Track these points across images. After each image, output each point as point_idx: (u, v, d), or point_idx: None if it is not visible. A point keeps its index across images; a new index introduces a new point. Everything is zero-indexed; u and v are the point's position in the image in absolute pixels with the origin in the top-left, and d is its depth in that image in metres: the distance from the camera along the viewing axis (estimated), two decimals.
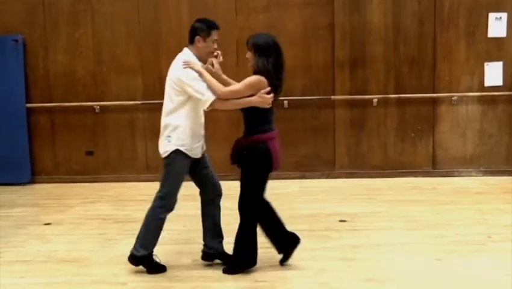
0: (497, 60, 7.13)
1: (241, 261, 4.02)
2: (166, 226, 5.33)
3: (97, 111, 7.44)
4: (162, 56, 7.35)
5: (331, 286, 3.80)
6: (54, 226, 5.48)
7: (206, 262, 4.23)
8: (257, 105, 3.78)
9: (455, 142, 7.28)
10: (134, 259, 4.07)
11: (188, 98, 3.88)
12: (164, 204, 4.02)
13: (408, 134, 7.30)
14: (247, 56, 3.90)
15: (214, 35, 3.96)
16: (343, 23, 7.16)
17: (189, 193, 6.88)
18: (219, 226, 4.25)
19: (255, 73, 3.85)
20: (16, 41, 7.33)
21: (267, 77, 3.77)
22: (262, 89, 3.76)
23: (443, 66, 7.19)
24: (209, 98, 3.80)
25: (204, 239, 4.25)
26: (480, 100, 7.20)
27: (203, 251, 4.25)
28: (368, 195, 6.37)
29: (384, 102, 7.24)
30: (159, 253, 4.54)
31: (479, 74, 7.16)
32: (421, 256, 4.31)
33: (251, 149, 3.86)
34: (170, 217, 5.66)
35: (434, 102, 7.25)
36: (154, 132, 7.42)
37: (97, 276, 4.10)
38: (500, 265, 4.08)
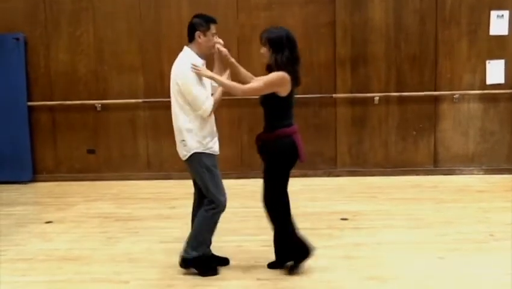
0: (499, 58, 7.11)
1: (298, 254, 3.96)
2: (167, 223, 5.37)
3: (98, 109, 7.44)
4: (164, 54, 7.35)
5: (333, 284, 3.80)
6: (55, 224, 5.48)
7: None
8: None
9: (456, 140, 7.27)
10: (185, 262, 3.99)
11: None
12: (214, 207, 3.92)
13: (410, 132, 7.29)
14: (261, 51, 3.87)
15: (213, 28, 3.94)
16: (345, 21, 7.15)
17: (191, 191, 6.87)
18: None
19: (270, 67, 3.83)
20: (17, 39, 7.33)
21: (285, 71, 3.74)
22: (285, 85, 3.75)
23: (445, 64, 7.17)
24: (206, 109, 3.81)
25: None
26: (482, 98, 7.19)
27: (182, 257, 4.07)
28: (370, 194, 6.37)
29: (385, 100, 7.23)
30: (162, 251, 4.55)
31: (481, 72, 7.15)
32: (423, 255, 4.30)
33: (276, 143, 3.83)
34: (172, 214, 5.71)
35: (436, 100, 7.24)
36: (156, 130, 7.47)
37: (98, 274, 4.10)
38: (502, 263, 4.07)
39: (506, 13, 7.04)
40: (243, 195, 6.40)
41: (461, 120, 7.24)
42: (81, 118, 7.52)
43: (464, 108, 7.23)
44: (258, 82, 3.83)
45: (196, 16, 3.99)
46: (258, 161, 7.18)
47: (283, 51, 3.77)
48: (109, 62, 7.43)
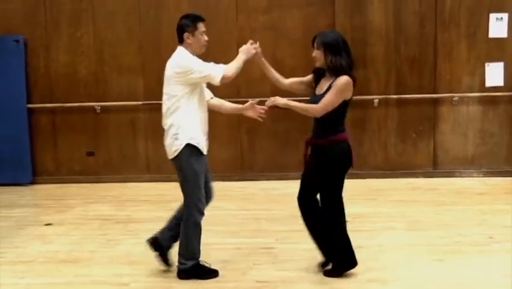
0: (498, 60, 7.12)
1: (343, 262, 3.93)
2: None
3: (98, 111, 7.44)
4: (164, 56, 7.22)
5: (333, 286, 3.80)
6: (55, 227, 5.48)
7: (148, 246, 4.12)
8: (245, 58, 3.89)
9: (456, 142, 7.27)
10: (184, 273, 3.96)
11: (190, 92, 3.84)
12: (193, 212, 3.93)
13: (409, 135, 7.29)
14: (314, 54, 3.86)
15: (201, 27, 3.95)
16: (344, 24, 7.15)
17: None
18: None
19: (318, 71, 3.86)
20: (17, 41, 7.34)
21: (346, 74, 3.74)
22: (350, 89, 3.78)
23: (444, 66, 7.18)
24: (218, 73, 3.80)
25: (162, 232, 4.14)
26: (481, 100, 7.19)
27: (154, 238, 4.13)
28: (370, 196, 6.37)
29: (384, 103, 7.24)
30: None
31: (480, 74, 7.15)
32: (423, 257, 4.31)
33: (333, 148, 3.84)
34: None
35: (435, 102, 7.25)
36: (155, 132, 7.44)
37: (98, 277, 4.09)
38: (502, 265, 4.07)
39: (505, 16, 7.05)
40: (242, 197, 6.41)
41: (460, 123, 7.25)
42: (81, 120, 7.52)
43: (464, 110, 7.23)
44: (329, 96, 3.76)
45: (183, 17, 4.00)
46: (257, 163, 7.24)
47: (341, 54, 3.76)
48: (109, 63, 7.43)
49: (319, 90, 3.89)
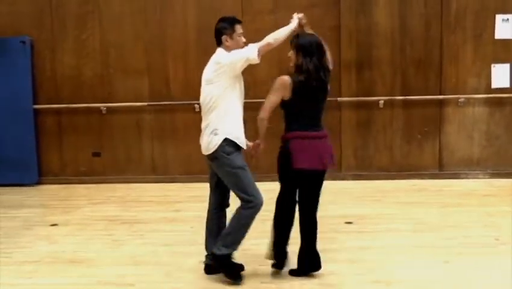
0: (504, 62, 7.10)
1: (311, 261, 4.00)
2: (172, 227, 5.38)
3: (104, 112, 7.47)
4: (169, 58, 7.38)
5: (338, 288, 3.80)
6: (61, 227, 5.50)
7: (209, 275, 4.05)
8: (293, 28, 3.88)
9: (461, 144, 7.26)
10: (216, 259, 3.90)
11: (229, 89, 3.84)
12: (253, 205, 3.83)
13: (415, 136, 7.28)
14: (289, 55, 3.89)
15: (239, 29, 3.98)
16: (349, 25, 7.16)
17: (196, 194, 6.92)
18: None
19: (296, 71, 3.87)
20: (24, 42, 7.37)
21: (304, 76, 3.77)
22: (286, 89, 3.79)
23: (450, 68, 7.17)
24: (252, 49, 3.81)
25: (207, 248, 4.08)
26: (487, 102, 7.17)
27: (208, 265, 4.06)
28: (375, 197, 6.36)
29: (390, 104, 7.22)
30: (167, 254, 4.56)
31: (486, 76, 7.13)
32: (428, 258, 4.30)
33: (282, 146, 3.97)
34: (176, 217, 5.72)
35: (441, 103, 7.23)
36: (161, 133, 7.50)
37: (103, 277, 4.10)
38: (508, 267, 4.05)
39: (511, 17, 7.03)
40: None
41: (466, 124, 7.23)
42: (87, 121, 7.55)
43: (469, 111, 7.21)
44: (268, 94, 3.91)
45: (220, 20, 4.04)
46: (262, 164, 7.23)
47: (311, 57, 3.79)
48: (115, 65, 7.46)
49: None
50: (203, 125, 3.96)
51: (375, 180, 7.20)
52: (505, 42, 7.08)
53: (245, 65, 3.84)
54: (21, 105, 7.43)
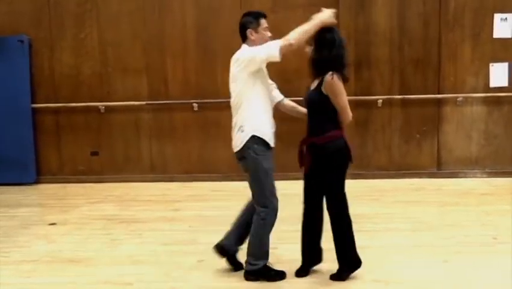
0: (503, 61, 7.11)
1: (349, 264, 3.90)
2: (171, 226, 5.38)
3: (102, 111, 7.46)
4: (168, 57, 7.38)
5: (336, 287, 3.80)
6: (59, 226, 5.50)
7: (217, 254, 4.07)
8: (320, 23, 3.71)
9: (460, 143, 7.26)
10: (253, 274, 3.88)
11: (253, 84, 3.78)
12: (269, 211, 3.81)
13: (413, 135, 7.28)
14: (306, 49, 3.83)
15: (264, 23, 3.90)
16: (348, 25, 7.15)
17: (194, 193, 6.92)
18: (247, 231, 4.05)
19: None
20: (22, 41, 7.36)
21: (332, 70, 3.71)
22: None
23: (448, 67, 7.17)
24: (274, 48, 3.66)
25: (227, 237, 4.08)
26: (486, 101, 7.18)
27: (220, 245, 4.07)
28: (373, 197, 6.36)
29: (388, 103, 7.23)
30: (165, 253, 4.56)
31: (484, 75, 7.14)
32: (426, 258, 4.30)
33: (331, 145, 3.81)
34: (175, 217, 5.71)
35: (439, 102, 7.24)
36: (159, 132, 7.50)
37: (102, 276, 4.10)
38: (506, 266, 4.06)
39: (509, 16, 7.04)
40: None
41: (464, 123, 7.24)
42: (85, 121, 7.54)
43: (468, 110, 7.22)
44: (338, 99, 3.79)
45: (245, 14, 3.94)
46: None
47: (331, 50, 3.72)
48: (113, 64, 7.45)
49: (312, 86, 3.89)
50: (232, 123, 3.95)
51: (373, 179, 7.20)
52: (503, 41, 7.08)
53: (265, 62, 3.78)
54: (20, 104, 7.42)
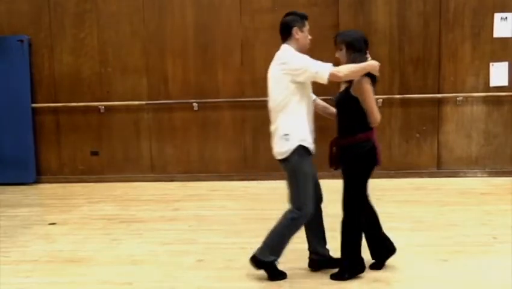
0: (503, 60, 7.10)
1: (352, 266, 3.90)
2: (171, 225, 5.38)
3: (102, 111, 7.46)
4: (168, 57, 7.38)
5: (338, 286, 3.80)
6: (59, 226, 5.50)
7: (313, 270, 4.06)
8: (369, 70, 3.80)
9: (460, 142, 7.26)
10: (258, 262, 3.86)
11: (298, 90, 3.74)
12: (302, 214, 3.79)
13: (413, 135, 7.28)
14: (337, 55, 3.83)
15: (307, 24, 3.88)
16: (348, 24, 7.14)
17: (194, 193, 6.92)
18: (323, 230, 4.09)
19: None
20: (22, 41, 7.36)
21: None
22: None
23: (448, 66, 7.17)
24: (325, 70, 3.64)
25: (310, 245, 4.06)
26: (486, 100, 7.18)
27: (312, 259, 4.07)
28: (373, 196, 6.28)
29: (388, 102, 7.22)
30: (165, 253, 4.56)
31: (485, 74, 7.14)
32: (426, 257, 4.30)
33: (355, 147, 3.81)
34: (175, 216, 5.71)
35: (439, 102, 7.24)
36: (159, 132, 7.50)
37: (102, 276, 4.10)
38: (506, 266, 4.06)
39: (510, 15, 7.03)
40: (247, 197, 6.42)
41: (464, 123, 7.24)
42: (85, 120, 7.55)
43: (468, 110, 7.22)
44: (367, 101, 3.81)
45: (289, 14, 3.89)
46: (261, 162, 7.24)
47: (361, 52, 3.78)
48: (113, 64, 7.45)
49: (342, 87, 3.92)
50: (272, 128, 3.86)
51: (374, 178, 7.16)
52: (503, 40, 7.08)
53: (313, 79, 3.73)
54: (20, 103, 7.42)
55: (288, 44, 3.83)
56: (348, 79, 3.75)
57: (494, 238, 4.73)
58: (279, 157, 3.85)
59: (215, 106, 7.25)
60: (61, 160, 7.65)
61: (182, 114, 7.40)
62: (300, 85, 3.75)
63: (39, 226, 5.53)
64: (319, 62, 3.69)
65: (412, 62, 7.18)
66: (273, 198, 6.13)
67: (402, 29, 7.15)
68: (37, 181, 7.57)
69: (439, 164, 7.31)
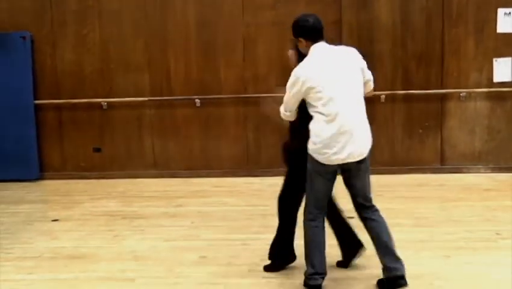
0: (506, 56, 7.07)
1: (283, 256, 4.06)
2: (173, 222, 5.38)
3: (104, 107, 7.46)
4: (170, 53, 7.36)
5: (339, 282, 3.80)
6: (62, 223, 5.51)
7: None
8: None
9: (463, 138, 7.24)
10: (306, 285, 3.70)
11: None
12: (374, 209, 4.00)
13: (416, 130, 7.26)
14: (289, 54, 3.87)
15: None
16: (350, 20, 7.13)
17: (197, 189, 6.92)
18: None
19: None
20: (24, 38, 7.36)
21: None
22: None
23: (451, 62, 7.14)
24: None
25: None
26: (489, 96, 7.15)
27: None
28: (376, 192, 6.24)
29: (391, 98, 7.20)
30: (167, 249, 4.56)
31: (488, 70, 7.11)
32: (429, 253, 4.29)
33: None
34: (177, 213, 5.72)
35: (442, 98, 7.21)
36: (162, 128, 7.49)
37: (104, 272, 4.11)
38: (509, 262, 4.05)
39: None
40: (249, 193, 6.42)
41: (467, 118, 7.21)
42: (87, 117, 7.54)
43: (471, 106, 7.19)
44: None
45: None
46: (264, 159, 7.23)
47: None
48: (116, 60, 7.44)
49: None
50: (356, 120, 3.48)
51: (376, 174, 7.14)
52: (507, 36, 7.04)
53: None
54: (22, 100, 7.42)
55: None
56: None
57: (498, 234, 4.72)
58: (365, 155, 3.56)
59: (217, 103, 7.25)
60: (64, 156, 7.65)
61: (185, 111, 7.39)
62: None
63: (42, 222, 5.54)
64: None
65: (415, 58, 7.15)
66: (276, 194, 6.13)
67: (404, 24, 7.12)
68: (39, 178, 7.58)
69: (442, 160, 7.29)
